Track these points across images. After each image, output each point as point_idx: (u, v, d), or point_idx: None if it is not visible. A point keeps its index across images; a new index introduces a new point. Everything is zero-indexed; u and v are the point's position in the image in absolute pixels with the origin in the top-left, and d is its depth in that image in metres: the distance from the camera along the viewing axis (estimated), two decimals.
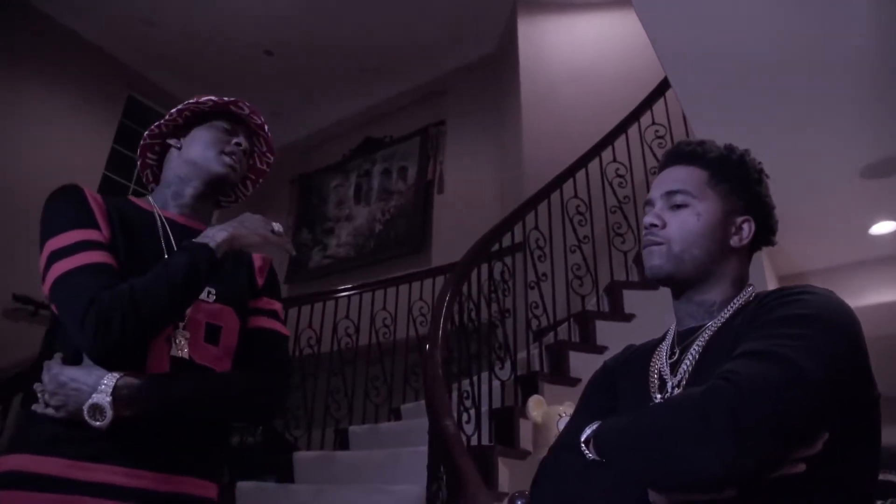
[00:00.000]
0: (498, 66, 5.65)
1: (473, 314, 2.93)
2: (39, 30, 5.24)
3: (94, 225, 1.11)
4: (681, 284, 1.00)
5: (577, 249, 3.42)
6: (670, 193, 1.01)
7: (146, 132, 1.33)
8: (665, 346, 1.03)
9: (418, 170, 5.85)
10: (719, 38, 2.32)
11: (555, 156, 3.88)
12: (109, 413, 0.98)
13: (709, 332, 0.95)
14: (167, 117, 1.31)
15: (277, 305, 1.28)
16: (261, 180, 1.45)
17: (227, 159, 1.27)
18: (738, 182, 1.01)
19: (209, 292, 1.18)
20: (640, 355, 1.07)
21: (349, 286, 4.07)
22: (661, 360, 1.01)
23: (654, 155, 3.54)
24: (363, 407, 3.65)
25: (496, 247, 3.13)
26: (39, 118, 5.10)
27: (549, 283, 3.31)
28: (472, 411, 2.61)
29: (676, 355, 0.99)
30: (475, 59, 5.88)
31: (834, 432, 0.75)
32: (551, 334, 3.21)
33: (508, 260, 3.26)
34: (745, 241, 0.99)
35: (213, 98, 1.30)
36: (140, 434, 1.02)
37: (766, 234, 1.02)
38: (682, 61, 2.43)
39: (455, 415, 2.49)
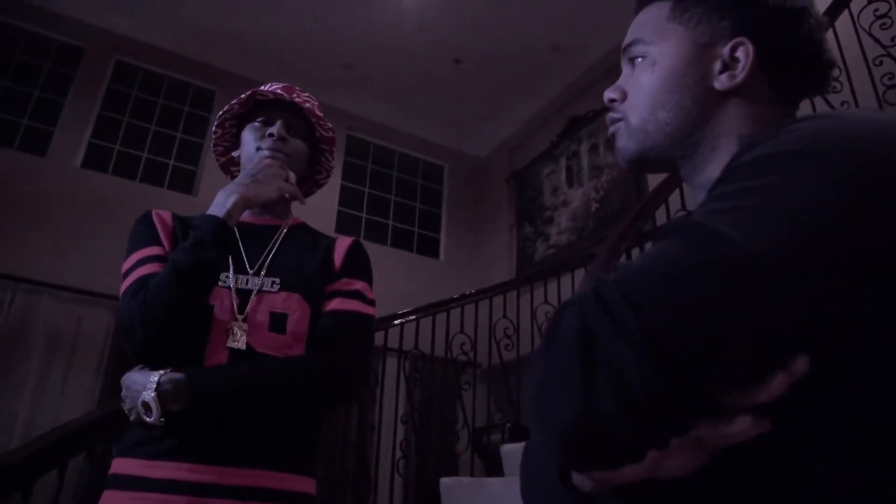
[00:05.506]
0: None
1: None
2: None
3: (155, 242, 1.20)
4: (664, 164, 0.71)
5: None
6: (625, 49, 0.74)
7: (216, 154, 1.43)
8: None
9: None
10: None
11: None
12: (155, 408, 1.02)
13: None
14: (216, 135, 1.38)
15: (359, 285, 1.24)
16: (333, 148, 1.44)
17: (262, 153, 1.26)
18: None
19: (273, 282, 1.19)
20: None
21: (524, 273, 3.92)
22: None
23: (877, 41, 2.80)
24: None
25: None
26: None
27: None
28: None
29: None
30: None
31: (826, 356, 0.43)
32: None
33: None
34: (740, 77, 0.64)
35: (235, 102, 1.32)
36: (203, 430, 1.06)
37: (791, 57, 0.66)
38: None
39: None
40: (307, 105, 1.33)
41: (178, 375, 1.05)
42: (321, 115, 1.36)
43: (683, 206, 2.80)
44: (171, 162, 5.77)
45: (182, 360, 1.08)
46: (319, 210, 5.84)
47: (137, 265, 1.16)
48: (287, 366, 1.12)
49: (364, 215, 6.43)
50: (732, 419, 0.43)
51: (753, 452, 0.45)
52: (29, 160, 5.16)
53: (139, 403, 1.04)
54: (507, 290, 3.92)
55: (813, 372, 0.43)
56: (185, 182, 5.76)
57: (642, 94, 0.70)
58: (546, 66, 6.14)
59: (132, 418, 1.08)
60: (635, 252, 2.51)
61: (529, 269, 5.88)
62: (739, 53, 0.65)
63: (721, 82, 0.66)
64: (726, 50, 0.66)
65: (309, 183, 1.44)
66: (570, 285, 3.71)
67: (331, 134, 1.40)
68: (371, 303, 1.25)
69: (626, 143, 0.72)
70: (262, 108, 1.32)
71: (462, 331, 3.51)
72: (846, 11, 2.77)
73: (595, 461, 0.45)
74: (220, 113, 1.33)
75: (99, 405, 4.61)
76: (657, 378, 0.40)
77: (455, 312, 3.62)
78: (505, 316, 3.66)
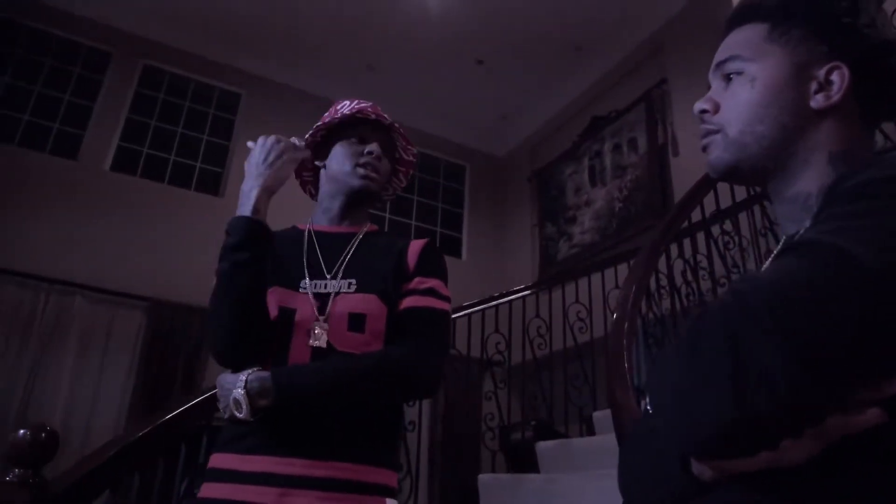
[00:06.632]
0: (712, 3, 5.08)
1: (689, 275, 2.64)
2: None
3: None
4: (756, 176, 0.75)
5: None
6: (720, 65, 0.77)
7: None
8: (766, 266, 0.80)
9: (648, 137, 5.49)
10: None
11: None
12: (245, 405, 1.08)
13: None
14: (306, 139, 1.38)
15: (433, 282, 1.27)
16: (412, 172, 1.47)
17: (361, 171, 1.31)
18: (816, 21, 0.72)
19: (350, 283, 1.23)
20: None
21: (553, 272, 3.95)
22: None
23: None
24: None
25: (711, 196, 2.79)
26: None
27: None
28: None
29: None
30: (686, 2, 5.36)
31: None
32: None
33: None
34: (835, 98, 0.69)
35: (337, 116, 1.35)
36: (292, 426, 1.12)
37: (881, 83, 0.70)
38: None
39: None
40: (401, 129, 1.38)
41: (264, 373, 1.11)
42: (408, 139, 1.41)
43: (718, 208, 2.83)
44: (198, 164, 5.86)
45: (267, 363, 1.15)
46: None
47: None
48: (367, 361, 1.16)
49: (387, 216, 6.49)
50: (865, 410, 0.49)
51: (866, 440, 0.50)
52: (60, 163, 5.26)
53: (231, 401, 1.10)
54: (544, 289, 3.95)
55: None
56: (213, 184, 5.84)
57: (740, 107, 0.74)
58: (569, 66, 6.17)
59: (226, 416, 1.13)
60: (674, 249, 2.55)
61: (561, 267, 5.91)
62: (835, 76, 0.69)
63: (817, 101, 0.70)
64: (822, 72, 0.70)
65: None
66: (600, 284, 3.74)
67: (412, 158, 1.44)
68: (446, 299, 1.28)
69: (721, 153, 0.75)
70: (355, 125, 1.36)
71: (497, 329, 3.55)
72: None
73: (737, 450, 0.51)
74: (319, 125, 1.36)
75: (132, 399, 4.69)
76: (802, 378, 0.46)
77: (487, 312, 3.66)
78: (538, 315, 3.70)
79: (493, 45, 5.90)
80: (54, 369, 4.62)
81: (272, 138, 1.27)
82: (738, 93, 0.74)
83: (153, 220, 5.31)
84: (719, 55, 0.79)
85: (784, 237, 0.76)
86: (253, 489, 1.07)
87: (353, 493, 1.10)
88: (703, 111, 0.78)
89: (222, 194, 5.77)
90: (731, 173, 0.76)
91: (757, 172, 0.74)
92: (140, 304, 5.03)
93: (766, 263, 0.77)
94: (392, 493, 1.17)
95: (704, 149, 0.79)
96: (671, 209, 4.89)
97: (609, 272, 3.78)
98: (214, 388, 1.96)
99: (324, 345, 1.17)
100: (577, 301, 3.72)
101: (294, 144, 1.29)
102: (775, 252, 0.77)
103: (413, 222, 6.72)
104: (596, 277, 3.83)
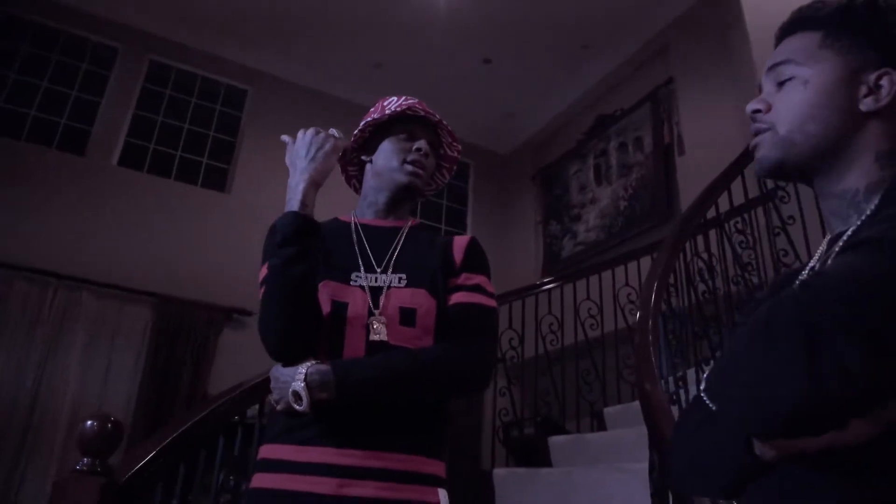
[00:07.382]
0: (719, 2, 5.11)
1: (706, 273, 2.67)
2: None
3: None
4: (802, 174, 0.79)
5: None
6: (773, 68, 0.81)
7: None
8: (813, 262, 0.83)
9: (654, 136, 5.53)
10: None
11: None
12: (305, 396, 1.10)
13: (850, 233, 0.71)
14: (354, 135, 1.40)
15: (479, 279, 1.29)
16: (454, 167, 1.50)
17: (409, 167, 1.33)
18: (868, 31, 0.76)
19: (400, 278, 1.25)
20: (791, 278, 0.88)
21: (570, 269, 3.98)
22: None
23: None
24: (617, 387, 3.55)
25: (725, 194, 2.82)
26: None
27: (799, 225, 2.88)
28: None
29: (815, 271, 0.80)
30: (693, 1, 5.39)
31: None
32: None
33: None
34: (884, 101, 0.73)
35: (386, 112, 1.36)
36: (347, 418, 1.13)
37: None
38: None
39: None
40: (448, 126, 1.40)
41: (324, 366, 1.12)
42: (456, 137, 1.43)
43: (731, 206, 2.87)
44: (205, 160, 5.87)
45: (321, 356, 1.16)
46: (352, 205, 5.91)
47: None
48: (424, 357, 1.18)
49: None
50: None
51: None
52: (68, 159, 5.26)
53: (289, 393, 1.11)
54: (563, 284, 3.96)
55: None
56: (219, 180, 5.85)
57: (793, 107, 0.78)
58: (574, 65, 6.19)
59: (280, 408, 1.15)
60: (688, 246, 2.58)
61: (565, 265, 5.95)
62: (884, 81, 0.74)
63: (867, 105, 0.74)
64: (872, 77, 0.74)
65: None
66: (611, 282, 3.78)
67: (456, 154, 1.46)
68: (492, 295, 1.30)
69: (768, 151, 0.79)
70: (403, 122, 1.37)
71: (510, 326, 3.58)
72: None
73: (806, 430, 0.55)
74: (369, 120, 1.38)
75: (139, 394, 4.71)
76: (875, 365, 0.49)
77: (503, 309, 3.69)
78: (550, 312, 3.73)
79: (499, 44, 5.92)
80: (62, 364, 4.63)
81: (311, 131, 1.28)
82: (792, 94, 0.78)
83: (160, 215, 5.32)
84: (774, 58, 0.82)
85: (829, 234, 0.80)
86: (309, 479, 1.09)
87: (411, 483, 1.13)
88: (756, 111, 0.82)
89: (229, 190, 5.78)
90: (777, 170, 0.80)
91: (803, 170, 0.78)
92: (147, 300, 5.04)
93: (814, 258, 0.80)
94: (443, 483, 1.19)
95: (754, 148, 0.82)
96: (679, 208, 4.96)
97: (618, 269, 3.82)
98: (233, 388, 1.99)
99: (385, 338, 1.19)
100: (588, 298, 3.75)
101: (333, 135, 1.30)
102: (822, 247, 0.80)
103: (418, 220, 6.72)
104: (606, 274, 3.87)
